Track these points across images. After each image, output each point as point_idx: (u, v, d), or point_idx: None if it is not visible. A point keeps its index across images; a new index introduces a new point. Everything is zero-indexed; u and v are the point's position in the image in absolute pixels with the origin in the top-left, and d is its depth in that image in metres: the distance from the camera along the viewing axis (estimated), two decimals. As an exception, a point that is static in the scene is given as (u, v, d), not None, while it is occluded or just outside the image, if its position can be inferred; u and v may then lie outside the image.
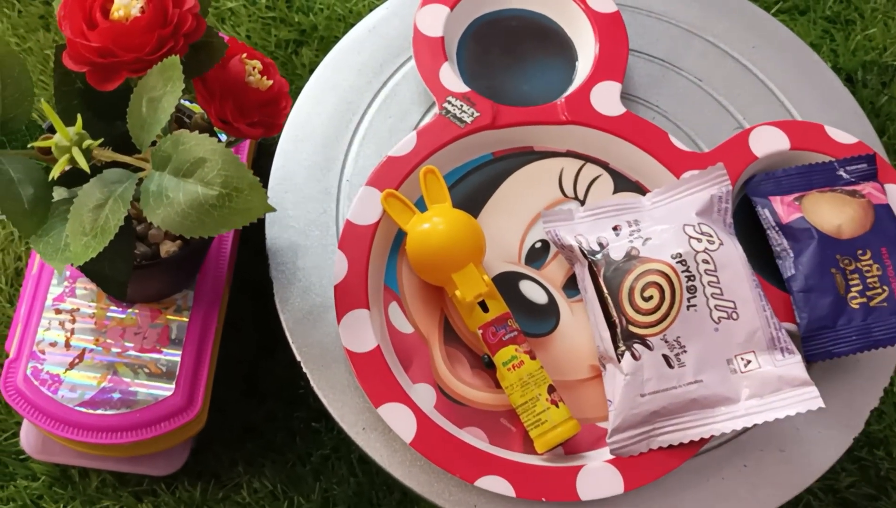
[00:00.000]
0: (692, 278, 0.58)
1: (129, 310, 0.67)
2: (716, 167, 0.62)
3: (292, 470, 0.76)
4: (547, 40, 0.73)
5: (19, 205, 0.46)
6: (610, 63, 0.69)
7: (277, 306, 0.64)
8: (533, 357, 0.59)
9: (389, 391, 0.59)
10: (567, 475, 0.58)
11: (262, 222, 0.67)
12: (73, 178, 0.49)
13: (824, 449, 0.62)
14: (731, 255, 0.59)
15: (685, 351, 0.58)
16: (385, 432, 0.60)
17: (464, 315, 0.61)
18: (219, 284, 0.70)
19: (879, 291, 0.60)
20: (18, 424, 0.74)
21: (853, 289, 0.61)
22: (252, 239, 0.75)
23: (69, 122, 0.47)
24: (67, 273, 0.68)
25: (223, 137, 0.59)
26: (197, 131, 0.45)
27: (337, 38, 0.75)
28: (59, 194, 0.50)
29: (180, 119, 0.61)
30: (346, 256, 0.63)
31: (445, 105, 0.67)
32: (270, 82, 0.54)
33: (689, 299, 0.58)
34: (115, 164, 0.48)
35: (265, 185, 0.68)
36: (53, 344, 0.66)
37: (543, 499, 0.57)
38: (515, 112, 0.67)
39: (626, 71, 0.69)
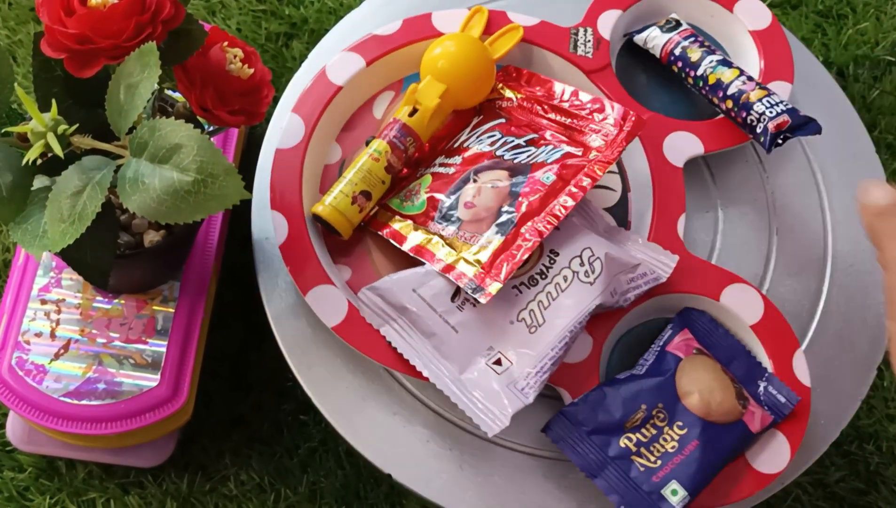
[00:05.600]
0: (544, 276, 0.59)
1: (115, 301, 0.67)
2: (670, 258, 0.61)
3: (279, 462, 0.76)
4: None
5: (-4, 191, 0.47)
6: (718, 134, 0.67)
7: (262, 298, 0.64)
8: (388, 172, 0.62)
9: (287, 194, 0.63)
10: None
11: (249, 212, 0.67)
12: (54, 166, 0.49)
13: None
14: (583, 298, 0.58)
15: (474, 305, 0.58)
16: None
17: (401, 106, 0.65)
18: (205, 274, 0.69)
19: (651, 459, 0.57)
20: (4, 415, 0.74)
21: (640, 432, 0.58)
22: (240, 230, 0.75)
23: (49, 109, 0.47)
24: (53, 263, 0.68)
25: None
26: (173, 118, 0.45)
27: (327, 31, 0.75)
28: (39, 182, 0.50)
29: (164, 109, 0.61)
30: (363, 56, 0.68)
31: (579, 28, 0.68)
32: (251, 71, 0.53)
33: (527, 281, 0.59)
34: (94, 151, 0.48)
35: (254, 163, 0.68)
36: (39, 334, 0.66)
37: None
38: (613, 85, 0.67)
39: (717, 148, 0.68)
